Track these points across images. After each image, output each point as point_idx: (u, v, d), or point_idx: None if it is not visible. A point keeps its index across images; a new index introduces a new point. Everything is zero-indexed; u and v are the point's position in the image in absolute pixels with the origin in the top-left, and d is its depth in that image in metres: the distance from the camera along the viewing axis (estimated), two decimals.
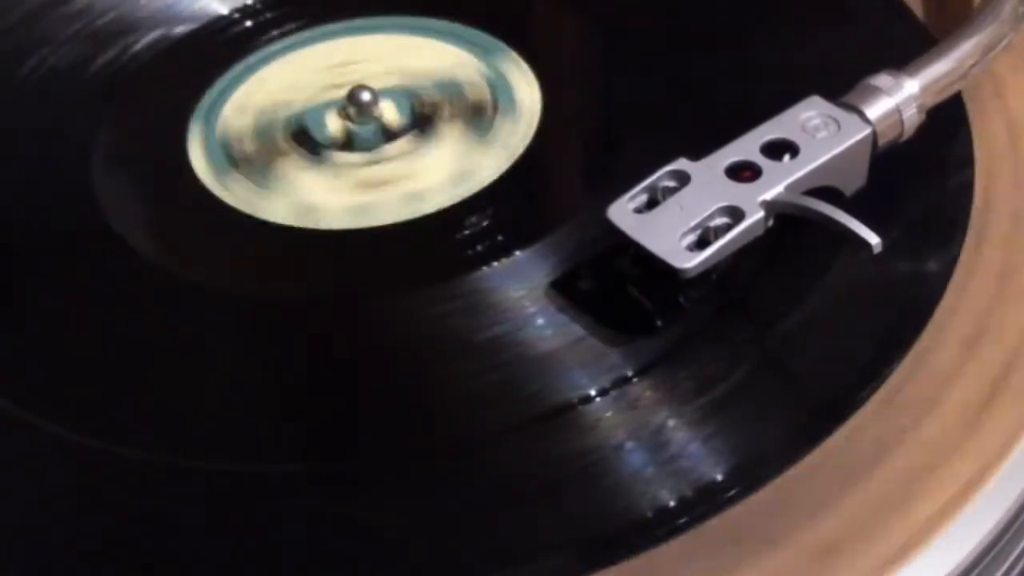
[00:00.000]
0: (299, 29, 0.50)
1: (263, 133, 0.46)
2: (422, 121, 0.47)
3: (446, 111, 0.47)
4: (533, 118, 0.46)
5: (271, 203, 0.43)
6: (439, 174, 0.44)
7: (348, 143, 0.46)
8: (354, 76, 0.48)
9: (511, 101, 0.47)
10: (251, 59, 0.49)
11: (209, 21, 0.51)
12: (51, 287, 0.42)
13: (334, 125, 0.46)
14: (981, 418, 0.35)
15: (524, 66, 0.48)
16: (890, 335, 0.36)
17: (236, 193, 0.44)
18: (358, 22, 0.51)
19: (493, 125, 0.46)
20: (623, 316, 0.38)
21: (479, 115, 0.46)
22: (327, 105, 0.47)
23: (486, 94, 0.47)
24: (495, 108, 0.46)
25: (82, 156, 0.45)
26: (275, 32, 0.50)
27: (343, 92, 0.46)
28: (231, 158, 0.45)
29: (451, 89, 0.48)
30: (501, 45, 0.49)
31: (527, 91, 0.47)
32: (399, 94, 0.47)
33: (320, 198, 0.44)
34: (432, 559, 0.33)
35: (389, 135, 0.46)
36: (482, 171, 0.44)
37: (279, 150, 0.46)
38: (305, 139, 0.46)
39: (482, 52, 0.49)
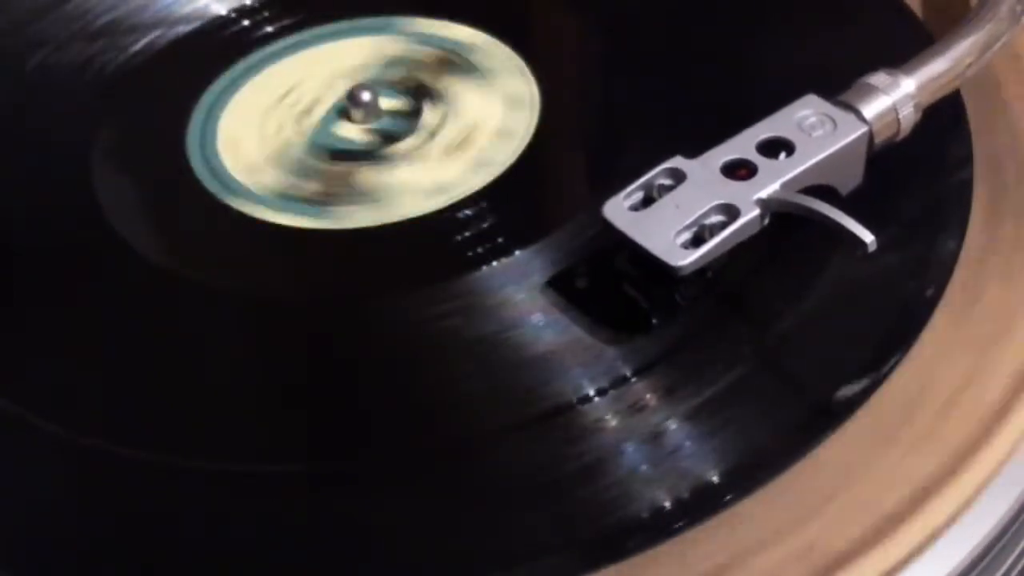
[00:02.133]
0: (299, 29, 0.50)
1: (305, 172, 0.44)
2: (419, 92, 0.46)
3: (425, 75, 0.47)
4: (502, 50, 0.46)
5: (400, 206, 0.42)
6: (496, 106, 0.45)
7: (388, 137, 0.45)
8: (307, 98, 0.47)
9: (458, 43, 0.47)
10: (241, 65, 0.49)
11: (209, 21, 0.50)
12: (51, 287, 0.41)
13: (356, 133, 0.45)
14: (981, 419, 0.34)
15: (435, 21, 0.48)
16: (890, 334, 0.35)
17: (355, 219, 0.42)
18: (307, 34, 0.50)
19: (475, 65, 0.46)
20: (619, 314, 0.37)
21: (454, 65, 0.47)
22: (324, 124, 0.46)
23: (433, 51, 0.47)
24: (457, 54, 0.47)
25: (82, 156, 0.45)
26: (273, 33, 0.49)
27: (319, 112, 0.46)
28: (311, 202, 0.43)
29: (403, 62, 0.47)
30: (391, 18, 0.49)
31: (460, 33, 0.48)
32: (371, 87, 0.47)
33: (437, 176, 0.43)
34: (432, 559, 0.32)
35: (409, 114, 0.46)
36: (520, 89, 0.45)
37: (343, 173, 0.44)
38: (349, 154, 0.45)
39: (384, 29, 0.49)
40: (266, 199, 0.43)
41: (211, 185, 0.44)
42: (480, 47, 0.47)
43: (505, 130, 0.44)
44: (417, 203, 0.42)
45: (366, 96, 0.45)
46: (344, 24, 0.50)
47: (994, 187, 0.40)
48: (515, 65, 0.46)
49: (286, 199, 0.43)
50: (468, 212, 0.41)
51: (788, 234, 0.37)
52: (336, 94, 0.46)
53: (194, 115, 0.46)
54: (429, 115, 0.45)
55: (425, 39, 0.48)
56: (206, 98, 0.47)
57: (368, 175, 0.44)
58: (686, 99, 0.44)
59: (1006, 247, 0.38)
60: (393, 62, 0.48)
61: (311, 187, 0.44)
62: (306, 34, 0.50)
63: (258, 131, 0.46)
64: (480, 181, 0.43)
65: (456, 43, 0.48)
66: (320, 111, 0.46)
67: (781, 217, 0.36)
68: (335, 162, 0.45)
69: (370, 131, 0.45)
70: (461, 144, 0.44)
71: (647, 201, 0.37)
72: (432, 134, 0.45)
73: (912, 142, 0.39)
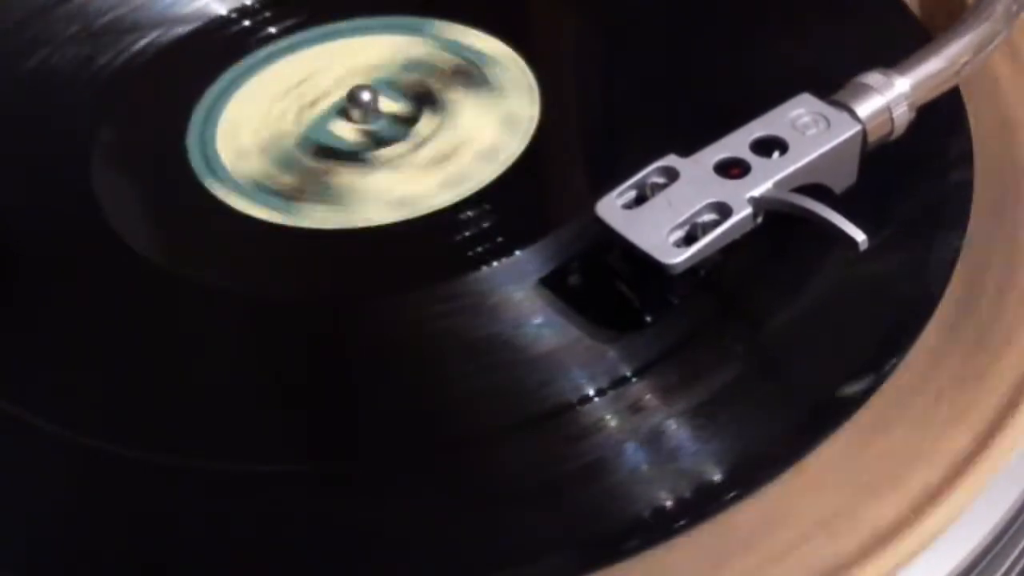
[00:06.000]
0: (299, 28, 0.48)
1: (287, 163, 0.43)
2: (424, 99, 0.44)
3: (435, 83, 0.45)
4: (520, 68, 0.45)
5: (363, 212, 0.40)
6: (491, 126, 0.43)
7: (377, 142, 0.43)
8: (317, 91, 0.45)
9: (480, 55, 0.45)
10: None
11: (209, 21, 0.48)
12: (51, 287, 0.39)
13: (348, 132, 0.44)
14: (981, 418, 0.33)
15: (469, 29, 0.47)
16: (890, 334, 0.34)
17: (316, 218, 0.40)
18: (345, 24, 0.48)
19: (488, 79, 0.44)
20: (611, 312, 0.36)
21: (468, 75, 0.45)
22: (322, 119, 0.44)
23: (453, 59, 0.45)
24: (475, 65, 0.45)
25: (82, 156, 0.43)
26: (274, 32, 0.48)
27: (322, 106, 0.44)
28: (282, 195, 0.41)
29: (420, 66, 0.46)
30: (428, 20, 0.47)
31: (487, 44, 0.46)
32: (381, 86, 0.45)
33: (407, 188, 0.41)
34: (432, 559, 0.31)
35: (406, 120, 0.44)
36: (521, 111, 0.43)
37: (321, 171, 0.42)
38: (334, 153, 0.43)
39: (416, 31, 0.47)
40: (241, 186, 0.42)
41: (211, 185, 0.42)
42: (499, 60, 0.45)
43: (491, 151, 0.42)
44: (379, 212, 0.40)
45: (366, 96, 0.43)
46: (363, 22, 0.48)
47: (994, 185, 0.39)
48: (527, 83, 0.44)
49: (259, 188, 0.42)
50: (468, 212, 0.40)
51: (789, 233, 0.36)
52: (343, 91, 0.45)
53: (194, 115, 0.45)
54: (426, 122, 0.44)
55: (446, 41, 0.47)
56: (206, 98, 0.45)
57: (342, 179, 0.42)
58: (688, 100, 0.42)
59: (1007, 244, 0.37)
60: (415, 64, 0.46)
61: (286, 180, 0.42)
62: (307, 33, 0.48)
63: (258, 118, 0.45)
64: (447, 199, 0.40)
65: (477, 54, 0.46)
66: (323, 106, 0.45)
67: (782, 216, 0.35)
68: (318, 160, 0.43)
69: (363, 132, 0.44)
70: (443, 159, 0.42)
71: (640, 199, 0.36)
72: (421, 145, 0.43)
73: (913, 140, 0.37)
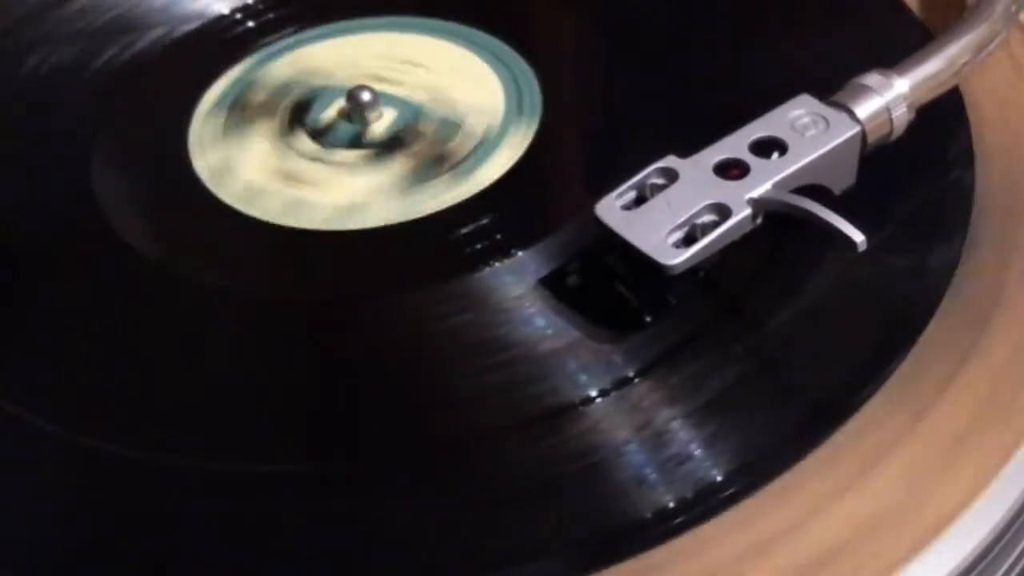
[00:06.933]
0: (298, 30, 0.48)
1: (382, 162, 0.42)
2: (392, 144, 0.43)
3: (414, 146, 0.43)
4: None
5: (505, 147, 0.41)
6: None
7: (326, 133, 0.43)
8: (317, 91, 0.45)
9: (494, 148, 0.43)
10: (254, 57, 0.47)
11: (210, 21, 0.48)
12: (51, 287, 0.39)
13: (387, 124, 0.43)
14: (981, 418, 0.32)
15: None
16: (890, 335, 0.34)
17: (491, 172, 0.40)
18: (356, 22, 0.48)
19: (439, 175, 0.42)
20: (611, 313, 0.35)
21: (438, 163, 0.42)
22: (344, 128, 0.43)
23: (471, 143, 0.43)
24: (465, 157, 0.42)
25: (82, 156, 0.43)
26: (275, 32, 0.48)
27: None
28: (418, 179, 0.41)
29: (448, 128, 0.43)
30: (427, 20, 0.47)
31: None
32: (405, 106, 0.44)
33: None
34: (432, 559, 0.31)
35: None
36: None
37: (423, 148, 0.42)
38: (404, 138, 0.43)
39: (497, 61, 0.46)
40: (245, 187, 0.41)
41: (212, 185, 0.42)
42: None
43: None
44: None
45: (366, 96, 0.43)
46: (364, 21, 0.48)
47: (994, 186, 0.38)
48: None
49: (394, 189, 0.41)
50: (469, 211, 0.39)
51: (790, 235, 0.35)
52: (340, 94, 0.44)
53: (195, 115, 0.44)
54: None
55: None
56: (207, 98, 0.45)
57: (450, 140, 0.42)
58: (689, 100, 0.42)
59: (1007, 245, 0.37)
60: (451, 123, 0.44)
61: (399, 169, 0.42)
62: (308, 33, 0.48)
63: (274, 138, 0.44)
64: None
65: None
66: (328, 115, 0.44)
67: (781, 217, 0.35)
68: (407, 146, 0.42)
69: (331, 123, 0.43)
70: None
71: (639, 200, 0.35)
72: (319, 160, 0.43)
73: (912, 141, 0.37)
